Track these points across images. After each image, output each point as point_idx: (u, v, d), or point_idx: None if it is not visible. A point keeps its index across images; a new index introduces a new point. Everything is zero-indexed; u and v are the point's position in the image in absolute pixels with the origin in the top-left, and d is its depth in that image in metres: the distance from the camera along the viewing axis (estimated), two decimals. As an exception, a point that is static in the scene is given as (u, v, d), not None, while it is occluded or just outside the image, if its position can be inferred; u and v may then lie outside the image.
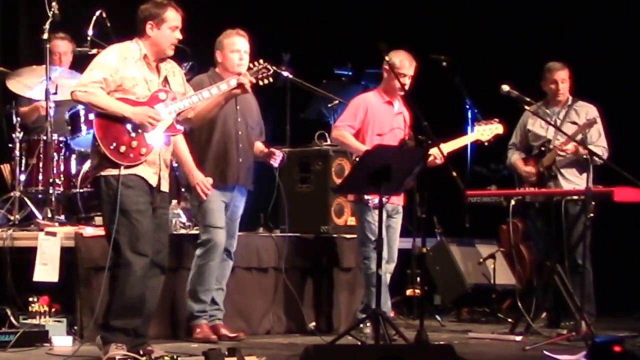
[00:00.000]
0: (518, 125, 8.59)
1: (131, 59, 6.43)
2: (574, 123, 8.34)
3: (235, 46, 7.56)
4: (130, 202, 6.32)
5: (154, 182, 6.43)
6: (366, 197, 7.60)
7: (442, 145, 7.24)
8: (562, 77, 8.44)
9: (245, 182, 7.67)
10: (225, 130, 7.55)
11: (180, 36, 6.53)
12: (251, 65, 7.00)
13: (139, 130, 6.36)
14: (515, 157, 8.54)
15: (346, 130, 7.77)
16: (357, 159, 7.45)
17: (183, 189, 7.99)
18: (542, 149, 8.37)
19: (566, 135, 8.10)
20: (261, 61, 6.96)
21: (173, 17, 6.49)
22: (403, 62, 7.70)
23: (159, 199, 6.50)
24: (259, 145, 7.81)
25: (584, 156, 7.83)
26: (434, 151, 7.18)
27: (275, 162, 7.78)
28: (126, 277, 6.28)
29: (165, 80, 6.56)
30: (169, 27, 6.47)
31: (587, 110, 8.38)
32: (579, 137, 8.16)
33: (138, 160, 6.36)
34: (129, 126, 6.34)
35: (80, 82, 6.45)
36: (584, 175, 7.87)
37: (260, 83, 7.01)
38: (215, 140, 7.54)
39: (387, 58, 7.47)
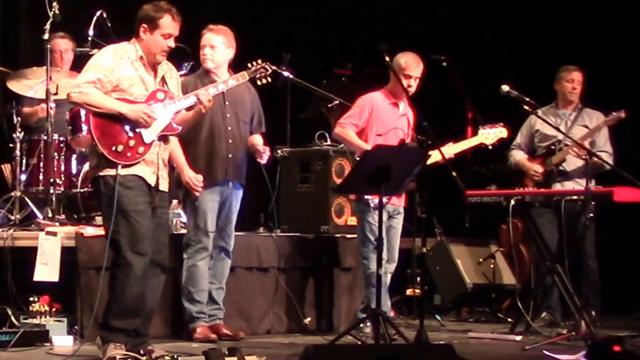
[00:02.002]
0: (524, 125, 8.61)
1: (127, 59, 6.41)
2: (585, 126, 8.39)
3: (202, 42, 7.53)
4: (129, 203, 6.32)
5: (152, 181, 6.43)
6: (367, 196, 7.61)
7: (443, 148, 7.25)
8: (577, 78, 8.59)
9: (236, 176, 7.60)
10: (213, 126, 7.50)
11: (172, 45, 6.44)
12: (249, 65, 6.99)
13: (137, 130, 6.35)
14: (520, 156, 8.56)
15: (350, 128, 7.76)
16: (357, 159, 7.45)
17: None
18: (552, 147, 8.39)
19: (572, 140, 8.10)
20: (259, 61, 6.94)
21: (168, 24, 6.39)
22: (409, 64, 7.69)
23: (159, 199, 6.50)
24: (254, 139, 7.71)
25: (593, 158, 7.82)
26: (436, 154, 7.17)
27: (263, 159, 7.72)
28: (126, 277, 6.28)
29: (163, 80, 6.55)
30: (162, 34, 6.39)
31: (597, 117, 8.45)
32: (588, 140, 8.20)
33: (136, 160, 6.36)
34: (126, 126, 6.34)
35: (75, 83, 6.45)
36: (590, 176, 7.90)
37: (259, 83, 7.01)
38: (203, 138, 7.49)
39: (387, 59, 7.45)
